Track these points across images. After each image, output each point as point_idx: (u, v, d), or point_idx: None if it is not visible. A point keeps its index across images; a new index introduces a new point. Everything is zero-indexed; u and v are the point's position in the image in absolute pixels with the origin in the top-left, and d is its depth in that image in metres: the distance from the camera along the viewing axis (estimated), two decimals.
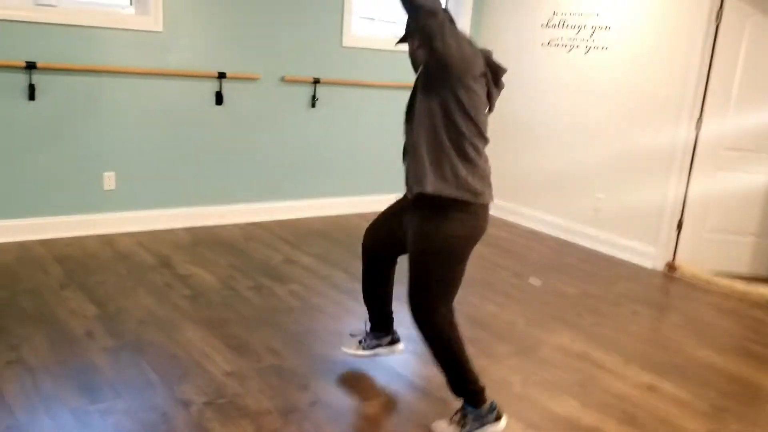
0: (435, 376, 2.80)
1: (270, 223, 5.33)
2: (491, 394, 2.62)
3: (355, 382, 3.02)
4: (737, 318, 4.24)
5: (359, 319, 3.34)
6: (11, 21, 4.14)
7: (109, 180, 4.66)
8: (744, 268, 4.99)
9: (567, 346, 3.56)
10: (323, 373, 3.06)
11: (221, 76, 4.89)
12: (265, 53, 5.10)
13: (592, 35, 5.34)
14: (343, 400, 2.86)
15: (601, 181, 5.36)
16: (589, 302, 4.24)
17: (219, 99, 4.93)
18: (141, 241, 4.63)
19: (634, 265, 5.11)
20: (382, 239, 2.87)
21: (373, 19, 5.83)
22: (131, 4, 4.62)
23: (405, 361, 3.19)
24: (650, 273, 4.98)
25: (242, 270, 4.27)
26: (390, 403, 2.88)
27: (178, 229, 4.95)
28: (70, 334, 3.21)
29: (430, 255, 2.47)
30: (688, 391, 3.17)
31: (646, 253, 5.11)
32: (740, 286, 4.68)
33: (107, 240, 4.60)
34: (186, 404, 2.70)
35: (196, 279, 4.05)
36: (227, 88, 4.96)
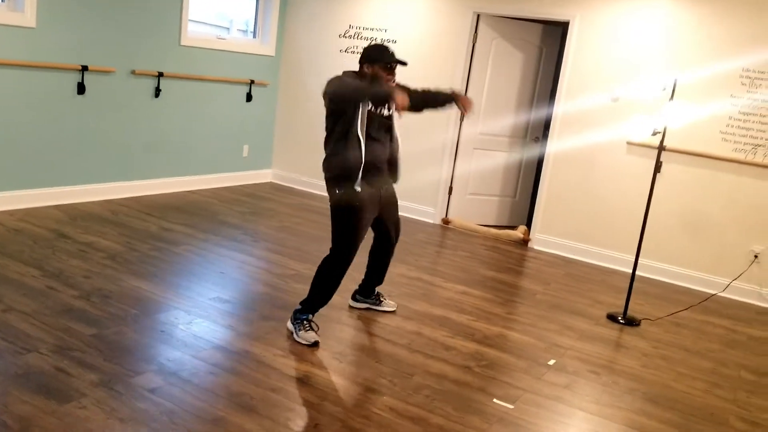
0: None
1: (124, 200, 5.99)
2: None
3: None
4: (498, 251, 6.11)
5: (254, 267, 4.41)
6: None
7: None
8: (492, 219, 6.96)
9: (406, 273, 5.04)
10: (258, 301, 4.13)
11: (84, 68, 5.45)
12: (119, 50, 5.74)
13: None
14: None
15: None
16: (405, 247, 5.77)
17: (81, 89, 5.48)
18: (20, 218, 5.06)
19: (422, 221, 6.80)
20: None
21: (205, 23, 6.72)
22: (2, 1, 4.99)
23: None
24: (433, 226, 6.71)
25: (132, 237, 5.01)
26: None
27: (47, 207, 5.42)
28: (35, 290, 3.82)
29: None
30: (488, 294, 4.86)
31: (428, 213, 6.83)
32: (494, 230, 6.60)
33: None
34: (174, 325, 3.60)
35: (100, 245, 4.72)
36: (88, 79, 5.53)
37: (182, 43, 6.27)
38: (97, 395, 2.81)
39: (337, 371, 3.35)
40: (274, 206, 6.61)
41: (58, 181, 5.54)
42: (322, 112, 3.70)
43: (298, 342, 3.59)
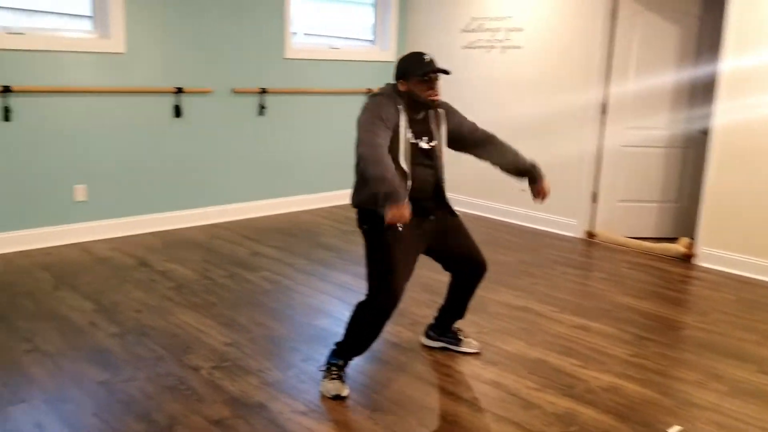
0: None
1: (229, 224, 5.75)
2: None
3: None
4: (648, 270, 4.96)
5: (328, 295, 3.83)
6: None
7: (81, 192, 4.98)
8: (650, 231, 5.74)
9: (510, 302, 4.16)
10: (309, 337, 3.55)
11: (179, 91, 5.29)
12: (216, 68, 5.53)
13: (507, 36, 6.01)
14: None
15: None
16: (524, 267, 4.87)
17: (177, 112, 5.33)
18: (115, 246, 4.97)
19: (560, 235, 5.80)
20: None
21: (310, 34, 6.36)
22: (93, 28, 4.97)
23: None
24: (573, 241, 5.67)
25: (214, 263, 4.69)
26: (372, 357, 3.38)
27: (146, 234, 5.31)
28: (75, 326, 3.57)
29: None
30: (614, 328, 3.82)
31: (569, 225, 5.81)
32: (647, 244, 5.41)
33: (83, 247, 4.92)
34: (196, 369, 3.13)
35: (175, 273, 4.45)
36: (184, 101, 5.36)
37: (286, 56, 5.93)
38: None
39: None
40: None
41: (158, 207, 5.41)
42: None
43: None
